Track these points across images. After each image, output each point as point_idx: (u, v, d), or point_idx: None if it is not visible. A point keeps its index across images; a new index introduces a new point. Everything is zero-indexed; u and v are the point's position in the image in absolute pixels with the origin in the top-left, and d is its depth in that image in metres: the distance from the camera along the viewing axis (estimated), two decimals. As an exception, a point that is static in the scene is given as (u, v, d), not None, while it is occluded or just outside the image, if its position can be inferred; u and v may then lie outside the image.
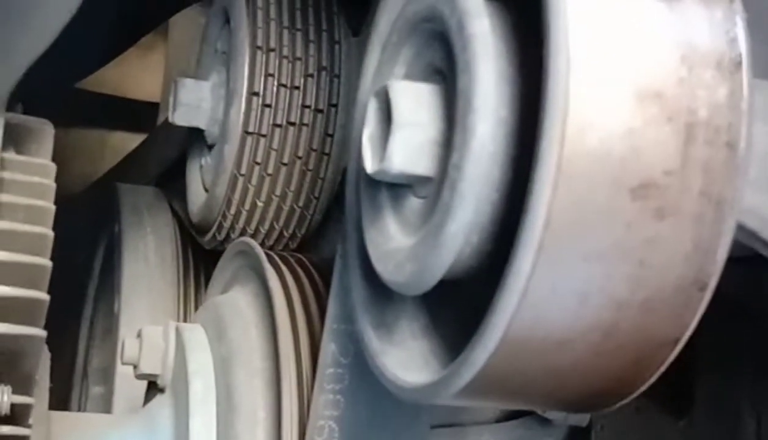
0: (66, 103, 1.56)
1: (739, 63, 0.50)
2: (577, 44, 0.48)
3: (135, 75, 2.21)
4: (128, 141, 2.14)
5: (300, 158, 1.03)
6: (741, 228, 0.56)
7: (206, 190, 1.14)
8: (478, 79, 0.53)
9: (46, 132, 0.83)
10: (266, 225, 1.07)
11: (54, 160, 0.80)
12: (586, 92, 0.48)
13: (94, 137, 2.27)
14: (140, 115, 2.17)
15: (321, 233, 1.09)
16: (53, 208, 0.74)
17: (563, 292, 0.50)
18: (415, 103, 0.58)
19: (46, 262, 0.72)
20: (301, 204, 1.06)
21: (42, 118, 0.85)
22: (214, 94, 1.11)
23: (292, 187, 1.05)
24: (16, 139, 0.79)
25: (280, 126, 1.02)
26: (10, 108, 0.76)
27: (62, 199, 0.78)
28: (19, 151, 0.79)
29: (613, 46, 0.49)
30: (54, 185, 0.76)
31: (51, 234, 0.72)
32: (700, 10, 0.51)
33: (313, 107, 1.04)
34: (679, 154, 0.49)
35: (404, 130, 0.57)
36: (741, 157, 0.50)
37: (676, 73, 0.50)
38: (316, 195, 1.06)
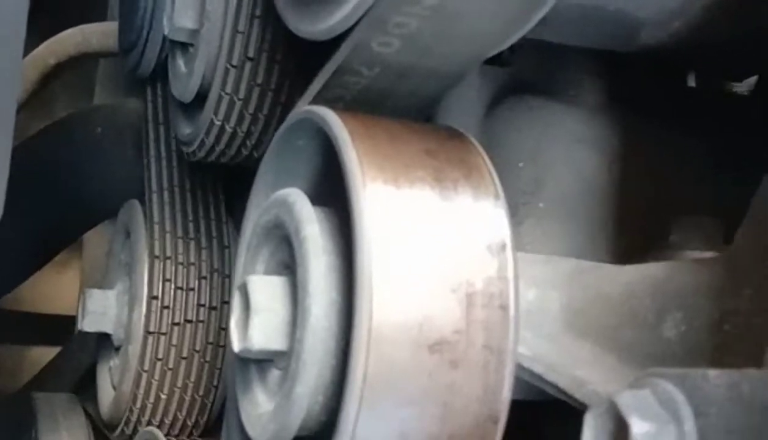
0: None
1: (504, 245, 0.66)
2: (377, 241, 0.63)
3: (51, 290, 2.30)
4: (47, 354, 2.20)
5: (198, 352, 1.15)
6: (531, 374, 0.70)
7: (114, 389, 1.24)
8: (311, 271, 0.67)
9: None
10: (170, 416, 1.17)
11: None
12: (387, 275, 0.62)
13: (12, 353, 2.33)
14: (58, 328, 2.24)
15: (222, 418, 1.20)
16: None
17: (385, 434, 0.63)
18: (268, 293, 0.71)
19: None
20: (201, 393, 1.16)
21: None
22: (119, 301, 1.22)
23: (192, 379, 1.15)
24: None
25: (178, 324, 1.14)
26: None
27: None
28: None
29: (406, 239, 0.64)
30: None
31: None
32: (472, 205, 0.67)
33: (207, 305, 1.16)
34: (464, 317, 0.64)
35: (261, 314, 0.70)
36: (512, 316, 0.65)
37: (456, 255, 0.65)
38: (215, 384, 1.16)
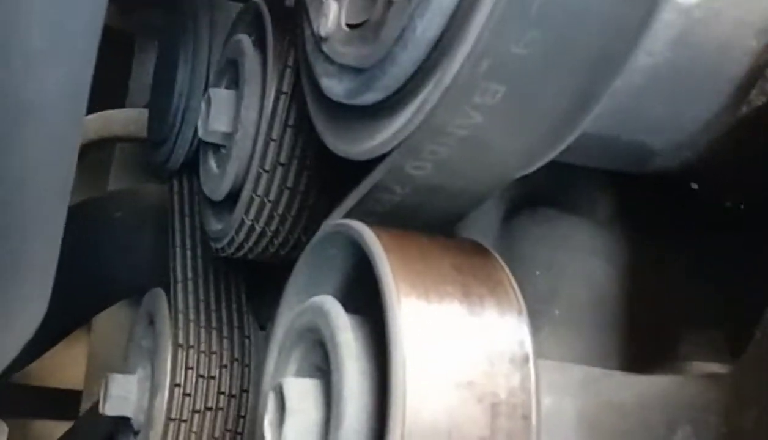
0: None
1: (527, 358, 0.71)
2: (410, 353, 0.67)
3: (58, 365, 2.33)
4: (52, 428, 2.23)
5: (216, 439, 1.19)
6: (549, 479, 0.75)
7: (133, 472, 1.27)
8: (345, 376, 0.72)
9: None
10: (188, 502, 1.21)
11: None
12: (419, 384, 0.67)
13: (18, 426, 2.35)
14: (64, 402, 2.27)
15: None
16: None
17: None
18: (302, 394, 0.76)
19: None
20: (219, 479, 1.20)
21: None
22: (140, 386, 1.26)
23: (210, 465, 1.20)
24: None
25: (199, 411, 1.18)
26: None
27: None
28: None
29: (437, 351, 0.69)
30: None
31: None
32: (497, 319, 0.72)
33: (227, 393, 1.20)
34: (488, 426, 0.68)
35: (294, 416, 0.75)
36: (533, 425, 0.69)
37: (482, 367, 0.70)
38: (232, 470, 1.21)
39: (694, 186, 0.96)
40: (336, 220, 0.84)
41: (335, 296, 0.80)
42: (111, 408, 1.25)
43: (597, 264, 0.95)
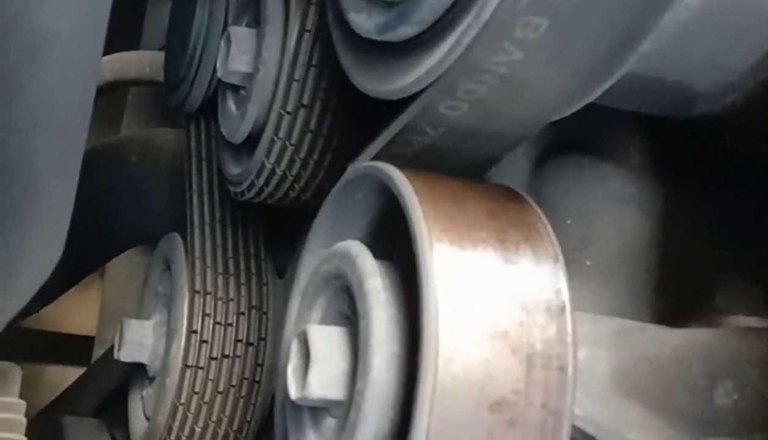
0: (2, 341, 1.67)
1: (563, 308, 0.68)
2: (443, 300, 0.65)
3: (71, 311, 2.32)
4: (64, 373, 2.22)
5: (234, 387, 1.17)
6: (582, 433, 0.72)
7: (147, 419, 1.25)
8: (374, 323, 0.69)
9: (13, 373, 0.97)
10: (203, 450, 1.19)
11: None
12: (451, 334, 0.64)
13: (30, 371, 2.35)
14: (76, 348, 2.26)
15: (252, 454, 1.22)
16: (24, 439, 0.86)
17: (445, 487, 0.65)
18: (327, 342, 0.73)
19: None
20: (235, 427, 1.18)
21: (9, 362, 0.99)
22: (156, 332, 1.24)
23: (227, 413, 1.17)
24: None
25: (215, 359, 1.16)
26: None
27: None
28: (-10, 392, 0.93)
29: (470, 299, 0.66)
30: (24, 420, 0.89)
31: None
32: (533, 268, 0.69)
33: (244, 341, 1.17)
34: (523, 378, 0.66)
35: (319, 364, 0.72)
36: (570, 377, 0.67)
37: (517, 317, 0.67)
38: (249, 419, 1.18)
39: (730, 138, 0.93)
40: (363, 162, 0.80)
41: (362, 242, 0.77)
42: (126, 354, 1.23)
43: (630, 213, 0.91)
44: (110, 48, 1.91)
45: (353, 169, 0.80)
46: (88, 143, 1.78)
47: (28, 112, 0.77)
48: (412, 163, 0.78)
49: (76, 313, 2.36)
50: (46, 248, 0.84)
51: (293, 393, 0.74)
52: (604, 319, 0.82)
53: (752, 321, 0.80)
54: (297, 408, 0.78)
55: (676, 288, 0.89)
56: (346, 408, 0.72)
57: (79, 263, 1.66)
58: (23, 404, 0.91)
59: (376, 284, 0.71)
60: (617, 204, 0.92)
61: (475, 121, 0.72)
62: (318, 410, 0.77)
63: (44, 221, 0.83)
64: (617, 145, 0.94)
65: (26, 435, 1.80)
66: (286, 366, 0.76)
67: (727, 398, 0.67)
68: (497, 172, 0.92)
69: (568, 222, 0.91)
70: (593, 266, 0.89)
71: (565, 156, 0.95)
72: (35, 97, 0.77)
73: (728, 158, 0.97)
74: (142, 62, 1.90)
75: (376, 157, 0.80)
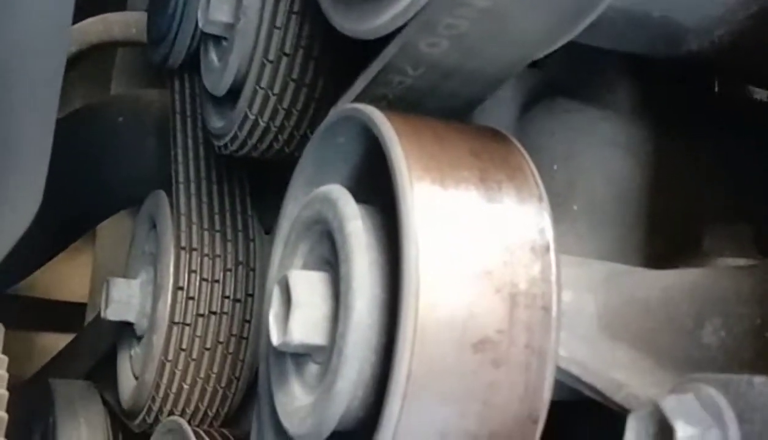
0: (-5, 308, 1.66)
1: (548, 247, 0.67)
2: (424, 240, 0.63)
3: (63, 277, 2.31)
4: (56, 340, 2.21)
5: (221, 343, 1.16)
6: (568, 375, 0.71)
7: (136, 378, 1.25)
8: (355, 267, 0.68)
9: (-2, 330, 0.96)
10: (192, 406, 1.18)
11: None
12: (433, 274, 0.63)
13: (22, 338, 2.34)
14: (68, 315, 2.25)
15: (242, 409, 1.21)
16: (6, 393, 0.85)
17: (426, 431, 0.64)
18: (309, 287, 0.72)
19: (0, 440, 0.83)
20: (223, 384, 1.17)
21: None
22: (142, 291, 1.23)
23: (215, 370, 1.16)
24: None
25: (203, 315, 1.15)
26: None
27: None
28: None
29: (452, 239, 0.65)
30: (6, 375, 0.87)
31: (5, 416, 0.83)
32: (517, 207, 0.68)
33: (232, 298, 1.17)
34: (507, 317, 0.64)
35: (301, 309, 0.71)
36: (554, 317, 0.65)
37: (501, 256, 0.65)
38: (237, 375, 1.17)
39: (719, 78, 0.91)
40: (344, 105, 0.79)
41: (344, 187, 0.76)
42: (113, 312, 1.22)
43: (617, 156, 0.90)
44: (96, 9, 1.89)
45: (333, 113, 0.78)
46: (76, 105, 1.77)
47: (3, 60, 0.75)
48: (393, 106, 0.76)
49: (68, 280, 2.35)
50: (24, 198, 0.83)
51: (275, 339, 0.73)
52: (592, 263, 0.80)
53: (741, 263, 0.79)
54: (280, 355, 0.77)
55: (663, 232, 0.87)
56: (328, 354, 0.71)
57: (68, 225, 1.65)
58: (5, 359, 0.90)
59: (356, 227, 0.70)
60: (604, 148, 0.90)
61: (457, 58, 0.70)
62: (300, 356, 0.76)
63: (21, 171, 0.82)
64: (605, 89, 0.92)
65: (17, 399, 1.80)
66: (268, 313, 0.75)
67: (715, 336, 0.66)
68: (483, 117, 0.91)
69: (555, 167, 0.89)
70: (580, 210, 0.88)
71: (552, 100, 0.93)
72: (9, 47, 0.75)
73: (716, 100, 0.96)
74: (128, 23, 1.88)
75: (357, 101, 0.78)
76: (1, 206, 0.81)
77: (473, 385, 0.64)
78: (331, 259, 0.74)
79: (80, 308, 2.18)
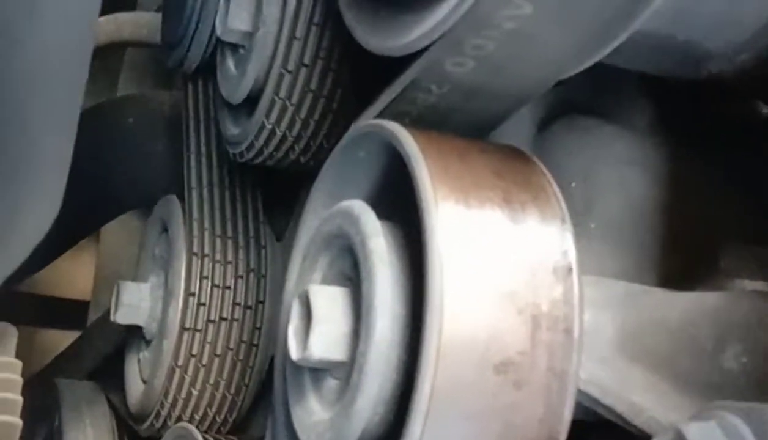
0: (-1, 305, 1.66)
1: (570, 269, 0.67)
2: (448, 259, 0.63)
3: (66, 275, 2.31)
4: (58, 338, 2.21)
5: (231, 350, 1.16)
6: (586, 396, 0.71)
7: (144, 382, 1.25)
8: (377, 285, 0.68)
9: (9, 333, 0.96)
10: (200, 412, 1.18)
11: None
12: (457, 293, 0.63)
13: (24, 335, 2.34)
14: (71, 313, 2.25)
15: (250, 417, 1.21)
16: (21, 399, 0.85)
17: (448, 449, 0.64)
18: (329, 303, 0.72)
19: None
20: (232, 391, 1.17)
21: (4, 322, 0.98)
22: (152, 295, 1.23)
23: (225, 376, 1.16)
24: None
25: (213, 322, 1.15)
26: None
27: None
28: (-15, 352, 0.91)
29: (476, 259, 0.65)
30: (21, 379, 0.87)
31: (20, 423, 0.83)
32: (540, 227, 0.68)
33: (242, 304, 1.16)
34: (529, 339, 0.65)
35: (321, 325, 0.71)
36: (576, 339, 0.66)
37: (524, 277, 0.66)
38: (246, 382, 1.17)
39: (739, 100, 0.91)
40: (366, 121, 0.79)
41: (363, 201, 0.76)
42: (122, 316, 1.22)
43: (635, 175, 0.90)
44: (106, 8, 1.88)
45: (356, 128, 0.78)
46: (84, 104, 1.76)
47: (26, 68, 0.75)
48: (415, 123, 0.76)
49: (71, 277, 2.35)
50: (43, 205, 0.83)
51: (294, 354, 0.73)
52: (609, 282, 0.80)
53: (758, 286, 0.79)
54: (297, 369, 0.77)
55: (680, 252, 0.88)
56: (347, 370, 0.71)
57: (74, 224, 1.65)
58: (19, 364, 0.90)
59: (379, 244, 0.70)
60: (622, 166, 0.90)
61: (482, 78, 0.71)
62: (319, 371, 0.76)
63: (42, 178, 0.82)
64: (623, 107, 0.93)
65: (21, 397, 1.80)
66: (286, 326, 0.75)
67: (736, 361, 0.66)
68: (501, 133, 0.91)
69: (573, 184, 0.89)
70: (597, 229, 0.88)
71: (570, 118, 0.93)
72: (32, 53, 0.75)
73: (734, 120, 0.96)
74: (139, 23, 1.88)
75: (379, 117, 0.78)
76: (21, 213, 0.81)
77: (494, 405, 0.64)
78: (351, 275, 0.74)
79: (83, 306, 2.18)
